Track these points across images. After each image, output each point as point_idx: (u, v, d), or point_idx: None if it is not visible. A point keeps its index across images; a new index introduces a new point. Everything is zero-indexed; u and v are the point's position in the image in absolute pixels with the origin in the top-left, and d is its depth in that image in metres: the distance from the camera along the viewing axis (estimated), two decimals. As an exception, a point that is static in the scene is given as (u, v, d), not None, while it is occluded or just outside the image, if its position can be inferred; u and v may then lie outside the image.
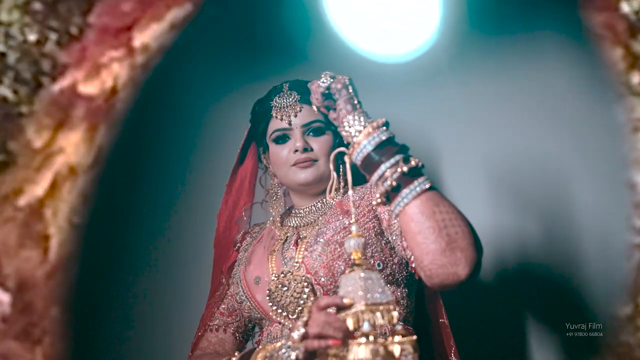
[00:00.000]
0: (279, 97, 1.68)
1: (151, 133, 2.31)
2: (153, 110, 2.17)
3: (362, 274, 1.18)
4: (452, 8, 1.98)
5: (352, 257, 1.22)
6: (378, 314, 1.15)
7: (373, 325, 1.14)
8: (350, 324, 1.15)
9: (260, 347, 1.54)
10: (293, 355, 1.27)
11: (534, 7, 2.04)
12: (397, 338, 1.17)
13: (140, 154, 2.31)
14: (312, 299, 1.52)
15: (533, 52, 2.08)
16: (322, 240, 1.57)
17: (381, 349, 1.13)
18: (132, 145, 1.92)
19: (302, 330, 1.26)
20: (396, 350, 1.16)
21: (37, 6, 1.07)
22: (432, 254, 1.23)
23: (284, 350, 1.32)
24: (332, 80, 1.36)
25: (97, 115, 1.08)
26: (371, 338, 1.13)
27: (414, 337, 1.19)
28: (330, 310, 1.24)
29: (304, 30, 2.17)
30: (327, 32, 1.99)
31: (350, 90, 1.34)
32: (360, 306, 1.15)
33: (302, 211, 1.71)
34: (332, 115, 1.38)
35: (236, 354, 1.59)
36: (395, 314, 1.16)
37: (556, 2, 2.03)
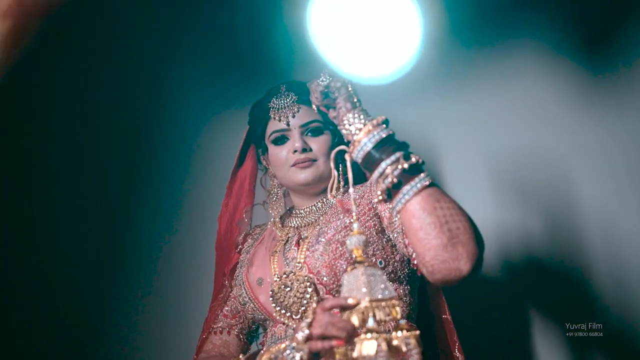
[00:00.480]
0: (276, 98, 1.68)
1: (151, 134, 2.32)
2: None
3: (365, 271, 1.18)
4: (432, 25, 2.01)
5: (353, 254, 1.22)
6: (382, 310, 1.15)
7: (377, 321, 1.14)
8: (355, 320, 1.15)
9: (264, 348, 1.54)
10: (297, 356, 1.26)
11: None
12: (401, 333, 1.17)
13: (140, 156, 2.32)
14: (315, 298, 1.51)
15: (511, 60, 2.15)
16: (323, 239, 1.56)
17: (384, 345, 1.13)
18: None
19: (306, 331, 1.25)
20: (401, 345, 1.16)
21: None
22: (434, 249, 1.23)
23: (288, 352, 1.32)
24: (331, 78, 1.36)
25: (29, 10, 0.70)
26: (375, 334, 1.13)
27: (418, 331, 1.19)
28: (335, 310, 1.24)
29: (288, 54, 2.18)
30: (310, 55, 1.99)
31: (350, 89, 1.34)
32: (364, 302, 1.15)
33: (302, 211, 1.71)
34: (331, 113, 1.37)
35: (241, 356, 1.59)
36: (398, 309, 1.16)
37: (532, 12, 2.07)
